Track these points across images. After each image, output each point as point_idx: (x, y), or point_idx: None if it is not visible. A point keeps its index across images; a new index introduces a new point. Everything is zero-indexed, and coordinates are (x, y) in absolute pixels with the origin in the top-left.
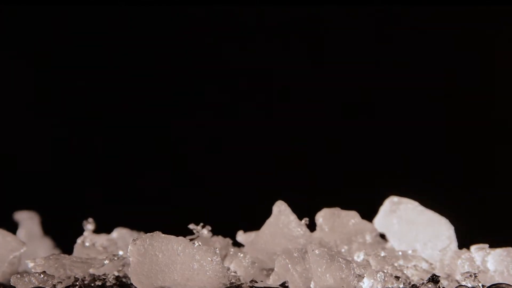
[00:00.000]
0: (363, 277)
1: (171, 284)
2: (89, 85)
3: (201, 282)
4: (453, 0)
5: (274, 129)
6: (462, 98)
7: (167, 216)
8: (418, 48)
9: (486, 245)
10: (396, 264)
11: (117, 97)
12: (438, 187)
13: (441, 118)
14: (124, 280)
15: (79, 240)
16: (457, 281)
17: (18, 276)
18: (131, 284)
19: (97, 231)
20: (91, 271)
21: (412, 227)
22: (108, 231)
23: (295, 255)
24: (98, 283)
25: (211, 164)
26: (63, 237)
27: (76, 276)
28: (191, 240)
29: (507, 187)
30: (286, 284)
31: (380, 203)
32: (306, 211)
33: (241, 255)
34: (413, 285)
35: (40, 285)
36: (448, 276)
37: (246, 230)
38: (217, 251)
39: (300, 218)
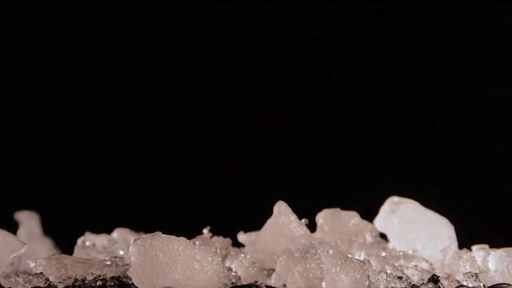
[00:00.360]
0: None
1: (172, 284)
2: (90, 85)
3: (202, 282)
4: (453, 0)
5: (275, 129)
6: (462, 98)
7: (167, 217)
8: (418, 48)
9: (486, 246)
10: (396, 264)
11: (117, 97)
12: (438, 187)
13: (441, 118)
14: (124, 280)
15: (79, 241)
16: (457, 281)
17: (5, 276)
18: (131, 284)
19: (97, 231)
20: (92, 271)
21: (412, 227)
22: (109, 231)
23: (296, 255)
24: (99, 283)
25: (211, 164)
26: (62, 237)
27: (76, 277)
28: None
29: (507, 187)
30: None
31: (380, 203)
32: (306, 212)
33: (242, 255)
34: (413, 285)
35: (27, 284)
36: (449, 276)
37: (247, 230)
38: (218, 251)
39: (301, 219)
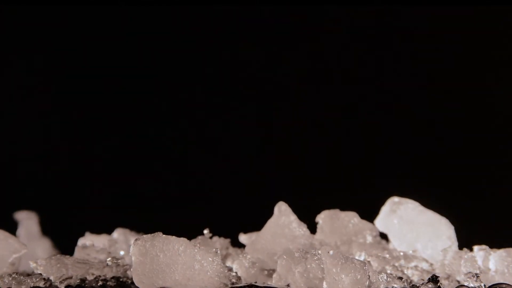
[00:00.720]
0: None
1: (172, 284)
2: (89, 85)
3: (202, 282)
4: (453, 0)
5: (275, 129)
6: (462, 98)
7: (167, 217)
8: (418, 48)
9: (487, 246)
10: (396, 264)
11: (117, 97)
12: (438, 187)
13: (441, 118)
14: (124, 280)
15: (79, 242)
16: (457, 281)
17: None
18: (131, 284)
19: (97, 231)
20: (92, 271)
21: (412, 227)
22: (109, 231)
23: (297, 255)
24: (99, 283)
25: (212, 165)
26: (63, 237)
27: (77, 277)
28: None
29: (507, 187)
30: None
31: (380, 203)
32: (306, 212)
33: (242, 255)
34: (413, 285)
35: (13, 285)
36: (449, 276)
37: (247, 230)
38: (218, 252)
39: (301, 219)
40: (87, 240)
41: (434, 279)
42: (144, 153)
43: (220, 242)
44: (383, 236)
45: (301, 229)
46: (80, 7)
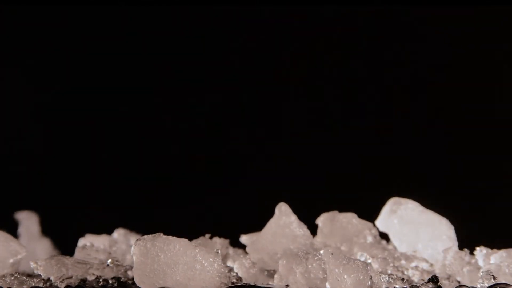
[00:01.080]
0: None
1: (173, 284)
2: (89, 85)
3: (203, 282)
4: (453, 0)
5: (274, 129)
6: (462, 98)
7: (168, 217)
8: (418, 48)
9: (487, 247)
10: (397, 265)
11: (117, 97)
12: (438, 187)
13: (441, 118)
14: (124, 280)
15: (80, 243)
16: (457, 281)
17: None
18: (132, 284)
19: (97, 231)
20: (93, 272)
21: (413, 227)
22: (109, 231)
23: (299, 255)
24: (100, 283)
25: (211, 164)
26: (63, 237)
27: (77, 277)
28: None
29: (507, 187)
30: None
31: (381, 203)
32: (307, 212)
33: (242, 255)
34: (413, 285)
35: (15, 285)
36: (449, 277)
37: (248, 231)
38: (219, 252)
39: (302, 220)
40: (87, 240)
41: (434, 279)
42: (144, 153)
43: (220, 243)
44: (384, 236)
45: (301, 229)
46: (80, 7)
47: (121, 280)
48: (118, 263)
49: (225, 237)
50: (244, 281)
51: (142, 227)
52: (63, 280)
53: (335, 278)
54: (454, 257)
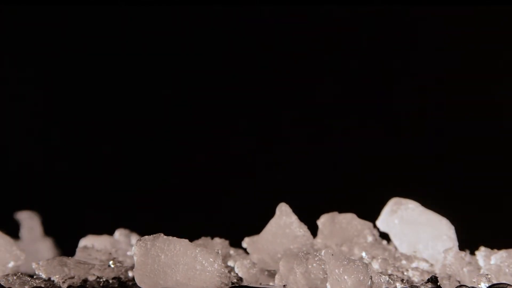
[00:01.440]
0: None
1: (174, 284)
2: (90, 85)
3: (203, 282)
4: (453, 0)
5: (275, 129)
6: (463, 98)
7: (169, 218)
8: (418, 48)
9: (487, 247)
10: (397, 265)
11: (117, 97)
12: (438, 187)
13: (441, 118)
14: (125, 281)
15: (81, 243)
16: (457, 281)
17: None
18: (133, 284)
19: (98, 232)
20: (94, 272)
21: (413, 227)
22: (110, 232)
23: (299, 255)
24: (101, 284)
25: (212, 165)
26: (64, 237)
27: (79, 277)
28: None
29: (508, 187)
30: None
31: (381, 204)
32: (307, 212)
33: (243, 256)
34: (412, 285)
35: (17, 285)
36: (449, 277)
37: (248, 231)
38: (219, 252)
39: (302, 220)
40: (89, 241)
41: (433, 280)
42: (144, 153)
43: (221, 243)
44: (384, 236)
45: (301, 229)
46: (80, 7)
47: (122, 280)
48: (119, 264)
49: (226, 238)
50: (244, 282)
51: (143, 227)
52: (65, 280)
53: (335, 278)
54: (454, 257)
